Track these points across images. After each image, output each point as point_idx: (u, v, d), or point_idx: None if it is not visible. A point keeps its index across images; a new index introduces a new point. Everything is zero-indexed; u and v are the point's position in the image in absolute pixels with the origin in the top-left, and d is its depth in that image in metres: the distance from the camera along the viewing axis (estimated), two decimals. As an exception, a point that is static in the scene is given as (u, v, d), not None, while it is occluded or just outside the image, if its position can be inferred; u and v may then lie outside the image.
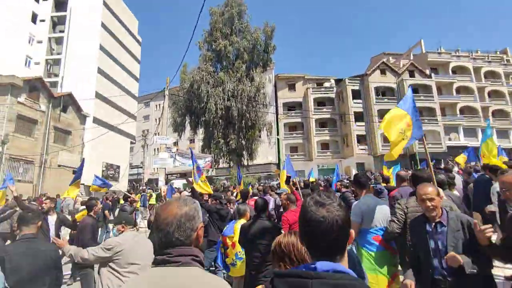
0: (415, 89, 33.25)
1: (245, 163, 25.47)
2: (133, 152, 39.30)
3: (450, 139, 32.12)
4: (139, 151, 39.21)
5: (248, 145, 24.64)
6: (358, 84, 34.17)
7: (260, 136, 26.01)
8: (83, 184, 26.63)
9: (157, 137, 16.38)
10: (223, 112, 23.70)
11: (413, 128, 3.11)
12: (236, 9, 25.49)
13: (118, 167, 31.26)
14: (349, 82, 34.21)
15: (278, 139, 33.87)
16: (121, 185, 29.70)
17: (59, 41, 32.52)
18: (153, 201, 16.00)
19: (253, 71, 25.10)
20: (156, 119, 45.08)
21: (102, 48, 30.82)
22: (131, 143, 35.38)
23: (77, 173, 7.33)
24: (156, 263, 1.07)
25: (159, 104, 47.23)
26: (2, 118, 19.15)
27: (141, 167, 35.21)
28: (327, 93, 36.33)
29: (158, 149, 44.20)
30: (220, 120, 24.01)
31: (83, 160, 8.72)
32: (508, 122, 34.46)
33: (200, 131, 26.86)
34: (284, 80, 37.56)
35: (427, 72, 34.17)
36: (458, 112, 33.69)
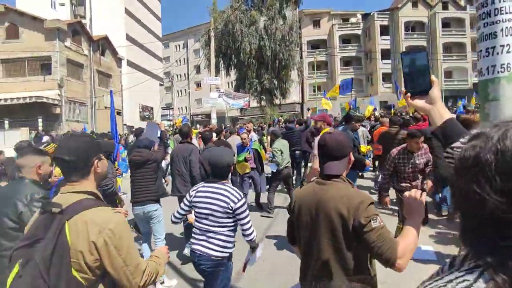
0: (446, 24, 32.15)
1: (277, 102, 26.76)
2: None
3: (476, 76, 32.14)
4: (165, 93, 40.50)
5: (280, 84, 25.56)
6: (387, 19, 33.03)
7: (290, 76, 26.72)
8: (125, 124, 28.75)
9: (207, 78, 17.54)
10: (256, 52, 24.13)
11: None
12: None
13: (152, 108, 33.01)
14: (377, 17, 33.04)
15: (302, 79, 34.34)
16: (156, 126, 31.87)
17: (78, -21, 31.40)
18: None
19: (284, 8, 24.63)
20: (177, 61, 45.15)
21: (125, -14, 29.90)
22: (160, 85, 36.49)
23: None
24: None
25: (179, 45, 46.72)
26: (55, 63, 20.32)
27: (172, 108, 36.96)
28: (353, 30, 35.39)
29: (181, 91, 45.30)
30: (254, 61, 24.58)
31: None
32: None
33: (232, 72, 27.59)
34: (308, 16, 36.28)
35: (462, 3, 32.52)
36: (488, 47, 32.92)
